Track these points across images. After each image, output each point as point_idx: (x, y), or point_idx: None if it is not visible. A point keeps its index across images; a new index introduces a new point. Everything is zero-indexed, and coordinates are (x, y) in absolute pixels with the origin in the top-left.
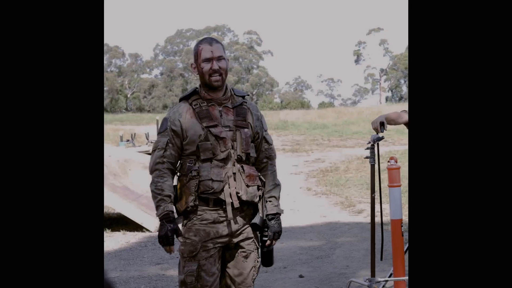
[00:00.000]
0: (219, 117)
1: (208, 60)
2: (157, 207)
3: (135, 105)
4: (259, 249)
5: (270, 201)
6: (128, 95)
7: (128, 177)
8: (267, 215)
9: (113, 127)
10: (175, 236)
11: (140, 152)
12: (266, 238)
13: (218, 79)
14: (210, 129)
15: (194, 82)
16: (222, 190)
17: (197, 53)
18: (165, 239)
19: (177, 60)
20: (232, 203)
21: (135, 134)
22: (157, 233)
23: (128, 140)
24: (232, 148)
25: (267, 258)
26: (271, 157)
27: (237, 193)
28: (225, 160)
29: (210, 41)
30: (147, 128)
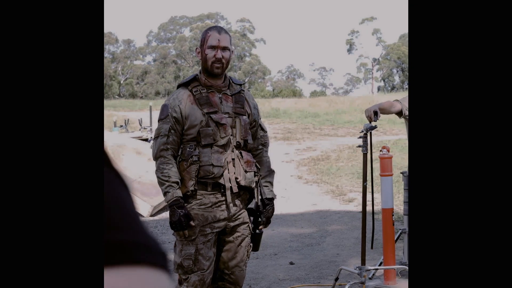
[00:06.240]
0: (219, 104)
1: (214, 47)
2: (165, 194)
3: (128, 91)
4: (251, 234)
5: (266, 186)
6: (121, 81)
7: (121, 162)
8: (264, 198)
9: (106, 112)
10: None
11: (133, 137)
12: (259, 220)
13: (219, 67)
14: (211, 115)
15: (187, 69)
16: (222, 175)
17: (204, 39)
18: (179, 224)
19: (170, 47)
20: (231, 187)
21: (128, 120)
22: (169, 219)
23: (121, 126)
24: (232, 134)
25: (256, 242)
26: (266, 144)
27: (236, 178)
28: (224, 146)
29: (220, 30)
30: (140, 114)
